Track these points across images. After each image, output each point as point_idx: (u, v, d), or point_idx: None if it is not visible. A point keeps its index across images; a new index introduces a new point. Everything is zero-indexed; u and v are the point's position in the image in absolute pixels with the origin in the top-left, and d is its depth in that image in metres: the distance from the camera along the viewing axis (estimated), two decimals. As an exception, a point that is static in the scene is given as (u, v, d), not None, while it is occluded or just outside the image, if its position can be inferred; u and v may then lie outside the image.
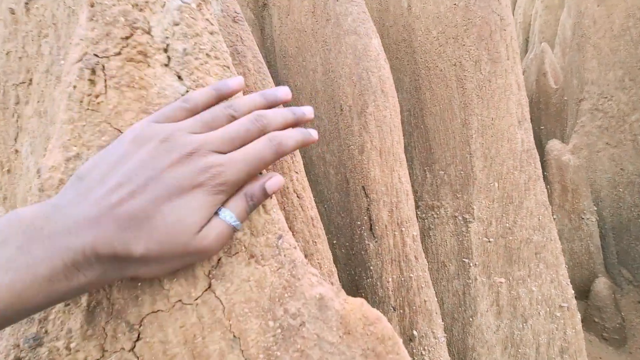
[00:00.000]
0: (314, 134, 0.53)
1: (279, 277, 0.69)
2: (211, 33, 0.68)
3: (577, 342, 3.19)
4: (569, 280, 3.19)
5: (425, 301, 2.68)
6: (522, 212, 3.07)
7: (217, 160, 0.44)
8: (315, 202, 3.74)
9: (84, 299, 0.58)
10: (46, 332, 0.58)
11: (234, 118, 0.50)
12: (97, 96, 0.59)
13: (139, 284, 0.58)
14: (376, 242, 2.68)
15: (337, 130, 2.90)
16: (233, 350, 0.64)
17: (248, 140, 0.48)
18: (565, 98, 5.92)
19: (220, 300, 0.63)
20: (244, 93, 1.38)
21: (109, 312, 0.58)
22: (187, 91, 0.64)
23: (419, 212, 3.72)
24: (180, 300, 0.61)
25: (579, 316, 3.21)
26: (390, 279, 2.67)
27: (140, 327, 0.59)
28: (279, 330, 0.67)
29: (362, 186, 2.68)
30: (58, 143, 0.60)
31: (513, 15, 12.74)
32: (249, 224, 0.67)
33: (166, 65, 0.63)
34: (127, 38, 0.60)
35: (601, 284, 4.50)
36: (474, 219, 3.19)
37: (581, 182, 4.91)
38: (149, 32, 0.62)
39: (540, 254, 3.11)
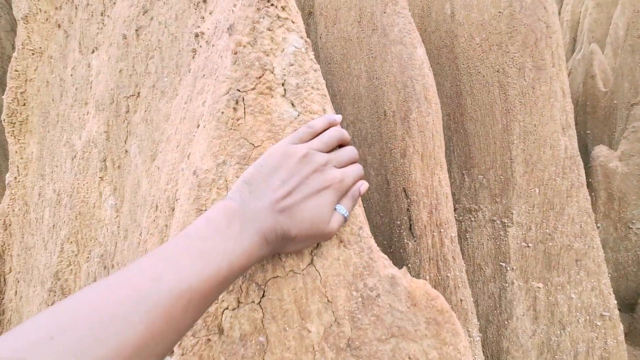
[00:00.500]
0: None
1: (360, 259, 0.89)
2: (315, 70, 0.88)
3: (619, 352, 3.13)
4: (612, 289, 3.12)
5: (461, 300, 2.78)
6: (564, 219, 3.06)
7: (339, 173, 0.67)
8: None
9: (228, 265, 0.80)
10: (201, 286, 0.81)
11: (342, 141, 0.73)
12: (238, 119, 0.82)
13: (267, 256, 0.80)
14: (415, 241, 2.81)
15: (379, 134, 3.06)
16: (327, 310, 0.84)
17: (349, 162, 0.72)
18: (615, 102, 5.65)
19: (318, 272, 0.84)
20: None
21: (244, 276, 0.81)
22: (299, 115, 0.85)
23: (456, 215, 3.78)
24: (292, 270, 0.83)
25: (621, 327, 3.14)
26: (427, 277, 2.79)
27: (265, 287, 0.81)
28: (360, 299, 0.86)
29: (403, 188, 2.82)
30: (209, 152, 0.83)
31: (560, 13, 12.09)
32: (339, 216, 0.87)
33: (283, 96, 0.85)
34: (259, 77, 0.82)
35: (649, 297, 4.31)
36: (512, 223, 3.22)
37: (629, 189, 4.70)
38: (272, 72, 0.84)
39: (581, 261, 3.08)
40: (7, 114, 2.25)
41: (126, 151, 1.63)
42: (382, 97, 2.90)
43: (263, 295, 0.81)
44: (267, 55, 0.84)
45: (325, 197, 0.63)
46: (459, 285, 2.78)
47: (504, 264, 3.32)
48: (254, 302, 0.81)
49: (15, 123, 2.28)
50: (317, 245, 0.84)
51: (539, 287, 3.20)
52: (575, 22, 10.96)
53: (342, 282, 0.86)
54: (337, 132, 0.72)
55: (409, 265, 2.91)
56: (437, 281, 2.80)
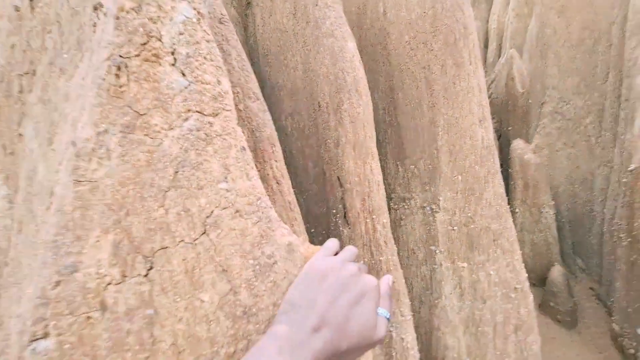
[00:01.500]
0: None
1: (257, 228, 0.90)
2: (207, 41, 0.88)
3: (530, 320, 3.55)
4: (524, 265, 3.53)
5: (393, 282, 2.94)
6: (482, 203, 3.39)
7: (372, 278, 0.70)
8: (295, 194, 3.96)
9: (110, 237, 0.77)
10: (81, 262, 0.77)
11: (356, 256, 0.81)
12: (121, 86, 0.79)
13: (153, 226, 0.78)
14: (349, 228, 2.92)
15: (315, 126, 3.12)
16: (222, 280, 0.85)
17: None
18: (530, 101, 6.38)
19: (212, 242, 0.84)
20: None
21: (130, 247, 0.78)
22: (190, 84, 0.84)
23: (391, 204, 3.99)
24: (183, 240, 0.82)
25: (531, 297, 3.57)
26: (361, 262, 2.91)
27: (153, 258, 0.79)
28: (257, 267, 0.88)
29: (338, 177, 2.91)
30: (90, 121, 0.79)
31: (488, 22, 13.30)
32: (236, 188, 0.88)
33: (173, 65, 0.83)
34: (144, 44, 0.79)
35: (556, 272, 4.94)
36: (440, 209, 3.49)
37: (541, 178, 5.34)
38: (160, 39, 0.82)
39: (497, 240, 3.44)
40: None
41: (20, 135, 1.47)
42: (317, 88, 2.96)
43: (151, 268, 0.79)
44: (154, 22, 0.81)
45: (367, 305, 0.64)
46: (391, 268, 2.95)
47: (433, 247, 3.58)
48: (140, 274, 0.78)
49: None
50: (211, 213, 0.84)
51: (463, 267, 3.51)
52: (500, 30, 12.10)
53: (239, 251, 0.87)
54: (353, 248, 0.80)
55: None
56: (370, 265, 2.93)
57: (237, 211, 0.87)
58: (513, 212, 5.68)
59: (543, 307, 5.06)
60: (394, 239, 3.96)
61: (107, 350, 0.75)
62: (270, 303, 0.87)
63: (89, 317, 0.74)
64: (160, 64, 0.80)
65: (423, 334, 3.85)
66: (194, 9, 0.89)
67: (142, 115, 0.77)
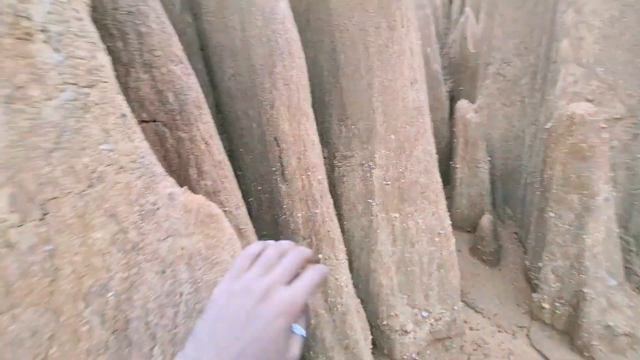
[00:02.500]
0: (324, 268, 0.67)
1: (142, 181, 1.10)
2: (78, 19, 1.00)
3: (451, 259, 4.12)
4: (459, 214, 3.99)
5: (328, 231, 3.30)
6: (412, 160, 3.73)
7: (288, 295, 0.58)
8: (242, 154, 4.13)
9: (6, 190, 0.94)
10: (-17, 210, 0.94)
11: (284, 253, 0.65)
12: (-1, 63, 0.91)
13: (42, 180, 0.96)
14: (287, 185, 3.17)
15: (254, 87, 3.21)
16: (111, 222, 1.06)
17: (298, 268, 0.63)
18: (478, 62, 6.64)
19: (99, 193, 1.03)
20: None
21: (24, 198, 0.96)
22: (65, 59, 0.97)
23: (335, 162, 4.26)
24: (70, 192, 1.00)
25: (453, 240, 4.10)
26: (299, 215, 3.22)
27: (45, 205, 0.98)
28: (143, 212, 1.09)
29: (275, 137, 3.09)
30: (-25, 93, 0.92)
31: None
32: (118, 149, 1.06)
33: (46, 42, 0.96)
34: (14, 24, 0.91)
35: (485, 220, 5.57)
36: (375, 165, 3.80)
37: (479, 136, 5.78)
38: (30, 19, 0.94)
39: (424, 193, 3.85)
40: None
41: None
42: (252, 50, 3.02)
43: (46, 213, 0.98)
44: (22, 2, 0.92)
45: (275, 329, 0.55)
46: (327, 220, 3.28)
47: (370, 201, 3.94)
48: (36, 219, 0.97)
49: None
50: (95, 169, 1.03)
51: (395, 217, 3.93)
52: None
53: (125, 200, 1.07)
54: (274, 250, 0.65)
55: (284, 206, 3.29)
56: (307, 217, 3.25)
57: (121, 167, 1.06)
58: (454, 168, 6.18)
59: (472, 250, 5.77)
60: (338, 194, 4.30)
61: (16, 276, 0.96)
62: (155, 239, 1.10)
63: (-2, 253, 0.94)
64: (32, 42, 0.93)
65: (362, 275, 4.35)
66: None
67: (19, 87, 0.91)
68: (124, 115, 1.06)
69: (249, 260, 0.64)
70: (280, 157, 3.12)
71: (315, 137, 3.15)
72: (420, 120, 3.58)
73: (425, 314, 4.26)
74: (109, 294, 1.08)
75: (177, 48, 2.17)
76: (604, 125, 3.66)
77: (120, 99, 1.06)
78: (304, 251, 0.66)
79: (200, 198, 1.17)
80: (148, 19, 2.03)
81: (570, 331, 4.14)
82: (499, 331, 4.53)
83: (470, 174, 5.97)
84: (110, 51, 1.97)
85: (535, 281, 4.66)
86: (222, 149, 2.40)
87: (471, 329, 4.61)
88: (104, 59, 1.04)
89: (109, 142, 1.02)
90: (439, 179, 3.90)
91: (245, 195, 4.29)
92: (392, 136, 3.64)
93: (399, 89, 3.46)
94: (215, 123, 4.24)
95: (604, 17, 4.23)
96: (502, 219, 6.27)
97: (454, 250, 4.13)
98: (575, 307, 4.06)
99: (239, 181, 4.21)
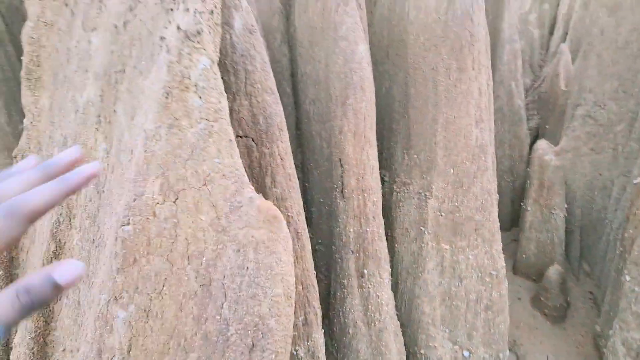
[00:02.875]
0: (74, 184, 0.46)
1: (234, 186, 1.60)
2: (215, 78, 1.54)
3: (501, 303, 3.98)
4: (502, 254, 3.89)
5: (376, 250, 3.57)
6: (469, 195, 3.79)
7: None
8: (312, 168, 4.70)
9: (158, 180, 1.51)
10: (145, 191, 1.53)
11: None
12: (168, 103, 1.49)
13: (179, 177, 1.51)
14: (345, 202, 3.55)
15: (328, 114, 3.70)
16: (212, 210, 1.56)
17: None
18: (569, 101, 6.22)
19: (209, 190, 1.55)
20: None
21: (167, 186, 1.52)
22: (203, 103, 1.52)
23: (395, 187, 4.51)
24: (193, 187, 1.53)
25: (505, 284, 3.97)
26: (352, 230, 3.56)
27: (178, 194, 1.52)
28: (231, 206, 1.58)
29: (339, 158, 3.51)
30: (153, 119, 1.51)
31: (558, 5, 12.13)
32: (224, 162, 1.57)
33: (195, 92, 1.51)
34: (181, 81, 1.49)
35: (552, 271, 5.14)
36: (432, 196, 3.94)
37: (557, 181, 5.41)
38: (189, 78, 1.50)
39: (479, 230, 3.85)
40: (25, 72, 2.88)
41: (115, 111, 2.30)
42: (331, 82, 3.51)
43: (177, 198, 1.54)
44: (187, 68, 1.50)
45: None
46: (375, 239, 3.56)
47: (423, 229, 4.08)
48: (172, 201, 1.53)
49: (31, 80, 2.92)
50: (209, 174, 1.55)
51: (446, 249, 3.99)
52: (569, 17, 11.10)
53: (222, 197, 1.58)
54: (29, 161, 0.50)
55: (339, 220, 3.66)
56: (358, 233, 3.57)
57: (223, 175, 1.57)
58: (525, 210, 5.86)
59: (534, 300, 5.35)
60: (393, 217, 4.53)
61: (154, 234, 1.53)
62: (236, 227, 1.58)
63: (147, 218, 1.51)
64: (188, 92, 1.49)
65: (406, 299, 4.44)
66: (210, 59, 1.56)
67: (177, 119, 1.48)
68: (230, 141, 1.57)
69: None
70: (342, 176, 3.53)
71: (375, 163, 3.49)
72: (482, 159, 3.66)
73: (466, 353, 4.17)
74: (203, 258, 1.59)
75: (271, 82, 2.75)
76: None
77: (230, 130, 1.59)
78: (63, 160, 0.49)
79: (269, 203, 1.63)
80: (255, 60, 2.65)
81: (637, 414, 3.65)
82: (550, 393, 4.18)
83: (543, 219, 5.60)
84: (224, 81, 2.63)
85: (604, 349, 4.20)
86: (292, 165, 2.90)
87: (517, 382, 4.33)
88: (225, 103, 1.58)
89: (219, 157, 1.55)
90: (496, 219, 3.88)
91: (309, 205, 4.80)
92: (451, 170, 3.77)
93: (463, 127, 3.61)
94: (294, 138, 4.89)
95: None
96: (577, 274, 5.69)
97: (506, 294, 4.00)
98: (647, 387, 3.59)
99: (305, 191, 4.75)
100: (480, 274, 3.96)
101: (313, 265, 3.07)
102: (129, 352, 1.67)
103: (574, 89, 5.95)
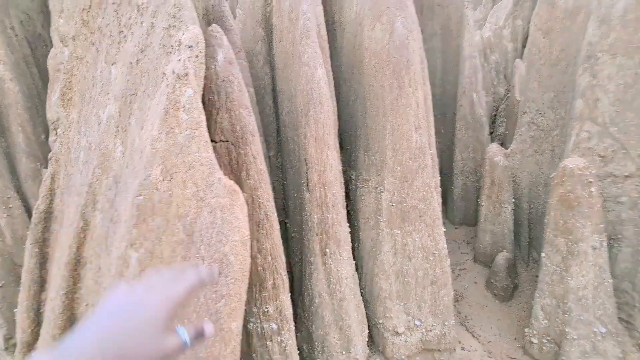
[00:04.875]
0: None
1: (209, 170, 2.48)
2: (195, 103, 2.44)
3: (443, 277, 4.76)
4: (444, 237, 4.67)
5: (336, 233, 4.40)
6: (413, 188, 4.62)
7: (164, 289, 0.68)
8: (288, 168, 5.60)
9: (160, 167, 2.41)
10: (150, 175, 2.42)
11: None
12: (167, 119, 2.39)
13: (187, 166, 2.42)
14: (309, 193, 4.39)
15: (298, 123, 4.58)
16: (193, 186, 2.45)
17: (182, 277, 0.74)
18: (518, 109, 7.07)
19: (192, 173, 2.44)
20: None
21: (166, 170, 2.42)
22: (189, 118, 2.42)
23: (358, 183, 5.36)
24: (181, 171, 2.43)
25: (447, 261, 4.76)
26: (315, 217, 4.39)
27: (172, 175, 2.42)
28: (208, 184, 2.47)
29: (305, 158, 4.37)
30: (157, 129, 2.41)
31: (530, 22, 13.06)
32: (202, 155, 2.47)
33: (184, 110, 2.42)
34: (174, 104, 2.39)
35: (501, 257, 5.91)
36: (384, 190, 4.76)
37: (505, 179, 6.23)
38: (180, 102, 2.40)
39: (422, 217, 4.67)
40: (60, 94, 3.79)
41: (129, 123, 3.19)
42: (298, 98, 4.39)
43: (172, 178, 2.41)
44: (178, 96, 2.40)
45: (152, 314, 0.63)
46: (335, 223, 4.39)
47: (379, 217, 4.89)
48: (167, 180, 2.40)
49: (64, 99, 3.83)
50: (191, 163, 2.43)
51: (397, 233, 4.79)
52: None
53: (201, 176, 2.45)
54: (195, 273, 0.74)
55: (306, 209, 4.50)
56: (321, 219, 4.40)
57: (201, 164, 2.44)
58: (480, 205, 6.68)
59: (487, 283, 6.11)
60: (358, 209, 5.37)
61: (157, 201, 2.40)
62: (211, 197, 2.45)
63: (152, 191, 2.38)
64: (179, 111, 2.38)
65: (368, 279, 5.23)
66: (193, 90, 2.45)
67: (172, 128, 2.36)
68: (206, 142, 2.44)
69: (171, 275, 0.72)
70: (307, 173, 4.39)
71: (333, 162, 4.35)
72: (421, 158, 4.51)
73: (417, 322, 4.95)
74: (188, 217, 2.44)
75: (246, 100, 3.64)
76: (592, 180, 4.10)
77: (206, 135, 2.45)
78: (199, 271, 0.72)
79: (231, 182, 2.48)
80: (233, 84, 3.54)
81: (553, 367, 4.41)
82: (489, 357, 4.94)
83: (495, 213, 6.41)
84: (210, 100, 3.52)
85: (531, 317, 4.97)
86: (263, 162, 3.76)
87: (463, 349, 5.09)
88: (203, 117, 2.45)
89: (198, 152, 2.41)
90: (436, 208, 4.70)
91: (287, 199, 5.64)
92: (398, 168, 4.62)
93: (405, 132, 4.48)
94: (275, 143, 5.76)
95: (618, 83, 4.63)
96: (526, 261, 6.47)
97: (448, 271, 4.80)
98: (559, 345, 4.36)
99: (285, 188, 5.61)
100: (425, 254, 4.77)
101: (281, 241, 3.90)
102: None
103: (522, 99, 6.82)
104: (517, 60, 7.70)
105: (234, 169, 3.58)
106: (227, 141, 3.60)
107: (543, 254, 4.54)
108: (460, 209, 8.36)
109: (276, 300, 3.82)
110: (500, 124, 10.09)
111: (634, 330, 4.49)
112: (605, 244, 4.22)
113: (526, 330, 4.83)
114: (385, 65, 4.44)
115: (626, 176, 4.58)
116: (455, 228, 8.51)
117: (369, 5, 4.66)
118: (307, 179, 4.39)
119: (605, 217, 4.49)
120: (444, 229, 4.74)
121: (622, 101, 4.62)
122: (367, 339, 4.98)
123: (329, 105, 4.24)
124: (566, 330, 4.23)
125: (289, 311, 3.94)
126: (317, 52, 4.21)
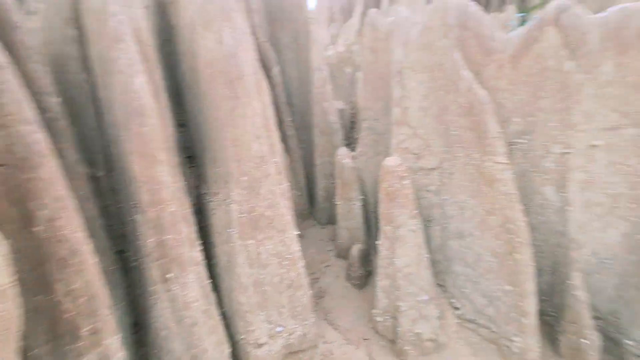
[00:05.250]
0: None
1: None
2: None
3: (298, 280, 4.97)
4: (296, 240, 4.88)
5: (179, 254, 4.04)
6: (260, 197, 4.66)
7: None
8: (120, 190, 4.83)
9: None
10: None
11: None
12: None
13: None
14: (141, 215, 3.92)
15: (119, 137, 4.03)
16: None
17: None
18: (360, 117, 8.02)
19: None
20: None
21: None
22: None
23: (209, 198, 5.11)
24: None
25: (301, 263, 4.98)
26: (151, 240, 3.94)
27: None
28: None
29: (132, 177, 3.88)
30: None
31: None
32: None
33: None
34: None
35: (354, 249, 6.58)
36: (233, 201, 4.66)
37: (353, 179, 6.96)
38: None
39: (271, 224, 4.76)
40: None
41: None
42: (116, 109, 3.88)
43: None
44: None
45: None
46: (176, 245, 4.03)
47: (230, 230, 4.76)
48: None
49: None
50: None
51: (251, 243, 4.76)
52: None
53: None
54: None
55: (139, 233, 4.01)
56: (158, 242, 3.98)
57: None
58: (336, 205, 7.26)
59: (346, 274, 6.71)
60: (211, 224, 5.10)
61: None
62: None
63: None
64: None
65: (226, 296, 5.03)
66: None
67: None
68: None
69: None
70: (135, 193, 3.90)
71: (168, 178, 3.98)
72: (263, 167, 4.58)
73: (279, 328, 4.99)
74: None
75: (28, 114, 2.97)
76: (405, 174, 4.88)
77: None
78: None
79: None
80: (3, 95, 2.84)
81: (394, 339, 5.07)
82: (347, 344, 5.35)
83: (347, 210, 7.06)
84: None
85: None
86: (64, 187, 3.14)
87: (325, 342, 5.39)
88: None
89: None
90: (285, 213, 4.85)
91: (125, 224, 4.92)
92: (244, 178, 4.58)
93: (245, 142, 4.46)
94: (104, 161, 4.97)
95: (420, 94, 5.67)
96: (377, 250, 7.33)
97: (303, 273, 5.01)
98: (395, 318, 5.04)
99: (121, 212, 4.87)
100: (279, 260, 4.86)
101: (100, 277, 3.33)
102: None
103: (362, 107, 7.74)
104: (357, 73, 8.72)
105: (15, 199, 2.87)
106: (1, 165, 2.87)
107: (378, 242, 5.17)
108: (324, 210, 8.96)
109: (99, 347, 3.24)
110: (354, 130, 11.32)
111: (447, 291, 5.53)
112: (421, 226, 5.07)
113: (373, 311, 5.43)
114: (218, 75, 4.33)
115: (431, 169, 5.65)
116: (322, 228, 9.08)
117: (198, 13, 4.48)
118: (138, 200, 3.91)
119: (419, 204, 5.43)
120: (313, 230, 4.91)
121: (423, 108, 5.69)
122: (229, 359, 4.74)
123: (155, 118, 3.87)
124: (398, 304, 4.91)
125: (119, 355, 3.39)
126: (134, 58, 3.78)
